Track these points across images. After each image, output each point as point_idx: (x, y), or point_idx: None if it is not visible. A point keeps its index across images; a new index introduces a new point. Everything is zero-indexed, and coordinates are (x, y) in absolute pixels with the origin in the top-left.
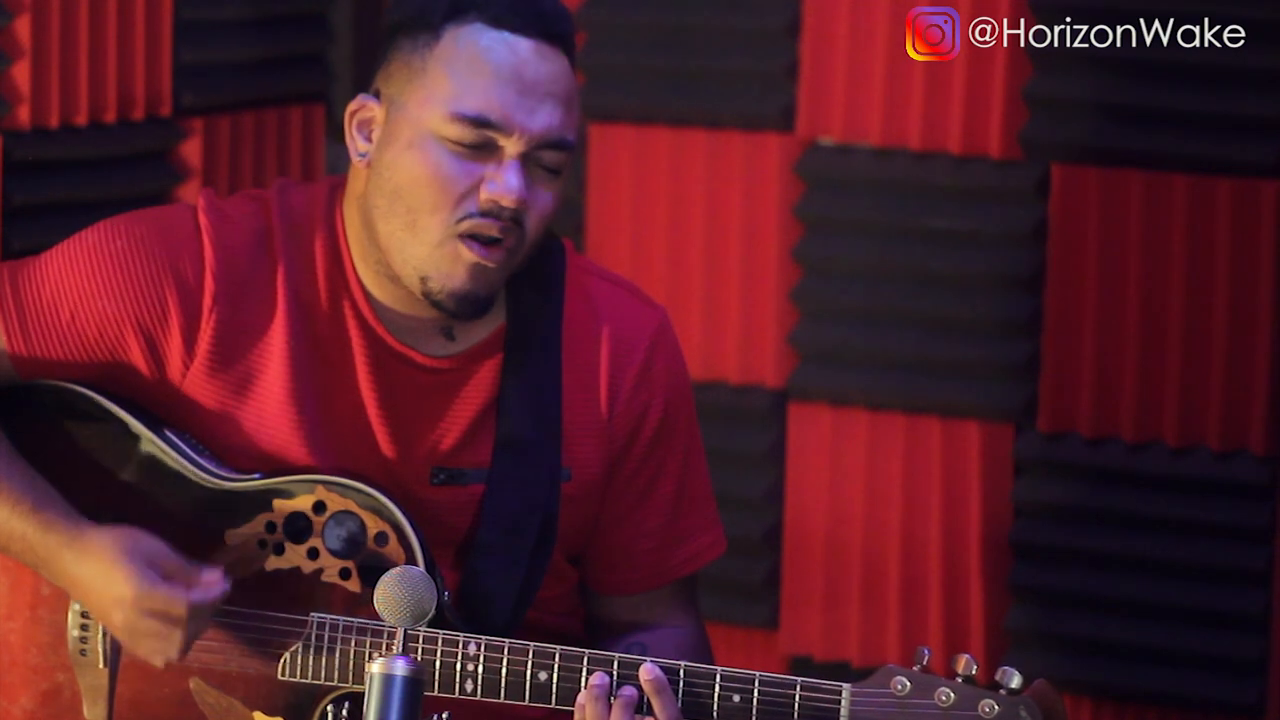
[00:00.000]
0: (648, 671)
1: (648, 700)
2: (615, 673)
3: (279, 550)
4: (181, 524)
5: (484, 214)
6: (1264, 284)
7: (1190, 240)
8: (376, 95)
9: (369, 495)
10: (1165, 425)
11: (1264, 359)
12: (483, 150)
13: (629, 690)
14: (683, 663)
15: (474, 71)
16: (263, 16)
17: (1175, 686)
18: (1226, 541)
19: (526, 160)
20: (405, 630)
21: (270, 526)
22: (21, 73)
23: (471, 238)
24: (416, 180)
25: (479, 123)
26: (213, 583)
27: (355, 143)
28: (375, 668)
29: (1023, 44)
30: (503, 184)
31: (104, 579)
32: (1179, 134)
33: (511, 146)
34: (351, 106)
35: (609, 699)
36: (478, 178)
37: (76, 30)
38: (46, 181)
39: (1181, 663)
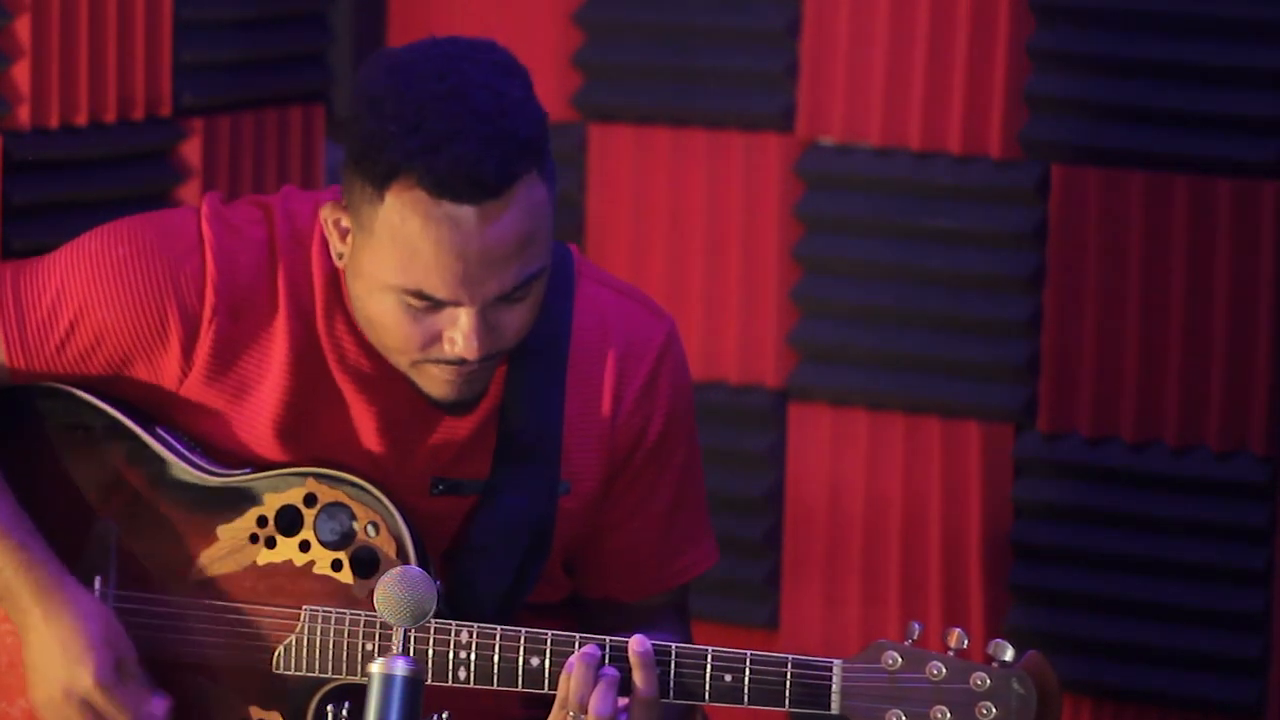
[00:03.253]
0: (638, 643)
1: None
2: (606, 652)
3: (270, 544)
4: (173, 519)
5: (448, 361)
6: (1264, 284)
7: (1190, 240)
8: (345, 206)
9: (359, 487)
10: (1165, 425)
11: (1264, 359)
12: (440, 306)
13: (612, 670)
14: (674, 644)
15: (415, 250)
16: (263, 16)
17: (1175, 686)
18: (1226, 541)
19: (486, 308)
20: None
21: (261, 520)
22: (21, 73)
23: (443, 367)
24: (380, 325)
25: (425, 298)
26: (158, 713)
27: (334, 243)
28: (375, 668)
29: (1023, 44)
30: (461, 344)
31: (69, 651)
32: (1179, 134)
33: (466, 310)
34: (324, 213)
35: (596, 670)
36: (438, 329)
37: (76, 30)
38: (46, 181)
39: (1181, 663)
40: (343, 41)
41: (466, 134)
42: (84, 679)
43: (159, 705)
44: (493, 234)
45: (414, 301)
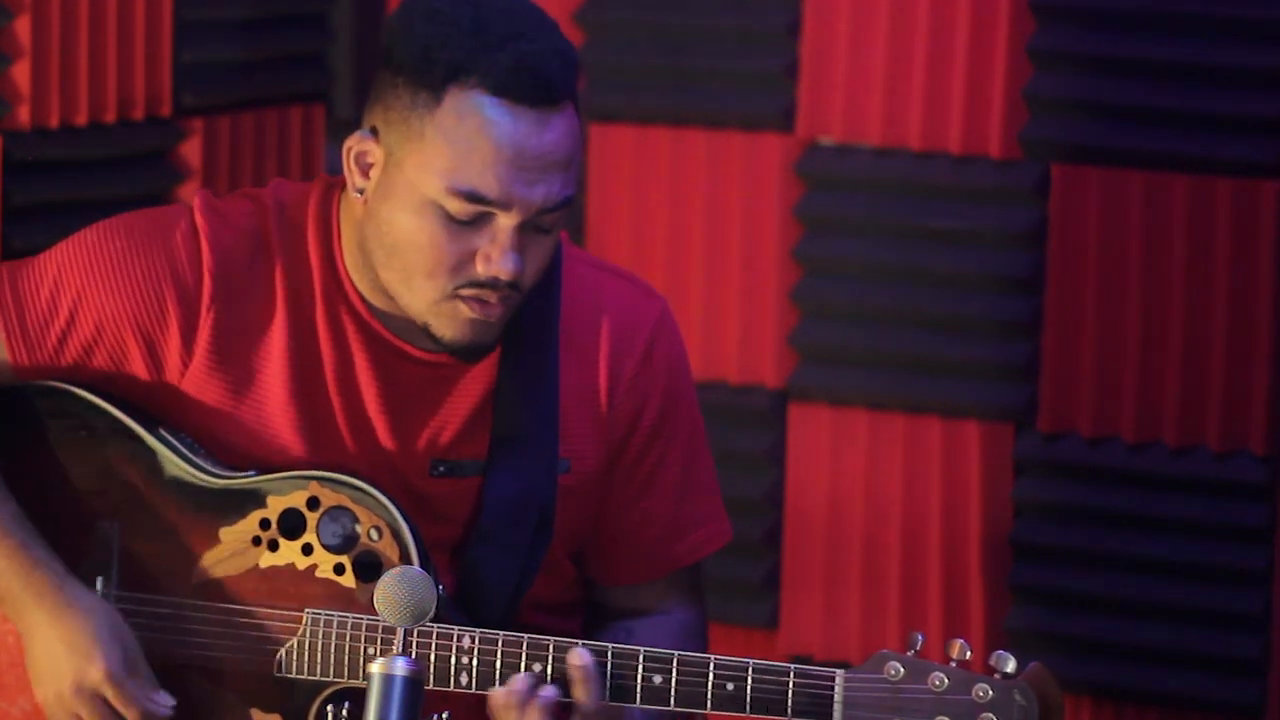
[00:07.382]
0: (578, 657)
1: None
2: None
3: (273, 547)
4: (176, 522)
5: (480, 284)
6: (1264, 284)
7: (1190, 240)
8: (374, 133)
9: (363, 491)
10: (1165, 425)
11: (1264, 359)
12: (479, 221)
13: (549, 692)
14: (676, 652)
15: (473, 147)
16: (263, 16)
17: (1175, 686)
18: (1226, 541)
19: (524, 226)
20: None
21: (264, 523)
22: (21, 73)
23: (470, 298)
24: (412, 245)
25: (476, 199)
26: (164, 705)
27: (353, 178)
28: (375, 668)
29: (1023, 44)
30: (499, 260)
31: (76, 647)
32: (1179, 134)
33: (509, 220)
34: (349, 143)
35: (523, 705)
36: (473, 248)
37: (76, 30)
38: (46, 181)
39: (1181, 663)
40: (343, 41)
41: (529, 36)
42: (94, 672)
43: (164, 700)
44: (549, 139)
45: (459, 207)
